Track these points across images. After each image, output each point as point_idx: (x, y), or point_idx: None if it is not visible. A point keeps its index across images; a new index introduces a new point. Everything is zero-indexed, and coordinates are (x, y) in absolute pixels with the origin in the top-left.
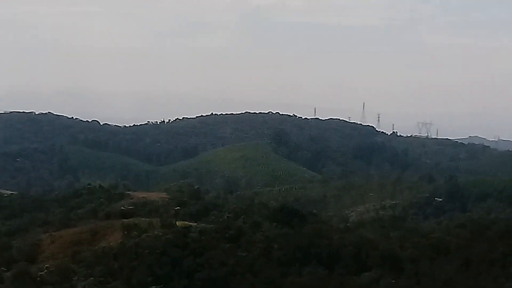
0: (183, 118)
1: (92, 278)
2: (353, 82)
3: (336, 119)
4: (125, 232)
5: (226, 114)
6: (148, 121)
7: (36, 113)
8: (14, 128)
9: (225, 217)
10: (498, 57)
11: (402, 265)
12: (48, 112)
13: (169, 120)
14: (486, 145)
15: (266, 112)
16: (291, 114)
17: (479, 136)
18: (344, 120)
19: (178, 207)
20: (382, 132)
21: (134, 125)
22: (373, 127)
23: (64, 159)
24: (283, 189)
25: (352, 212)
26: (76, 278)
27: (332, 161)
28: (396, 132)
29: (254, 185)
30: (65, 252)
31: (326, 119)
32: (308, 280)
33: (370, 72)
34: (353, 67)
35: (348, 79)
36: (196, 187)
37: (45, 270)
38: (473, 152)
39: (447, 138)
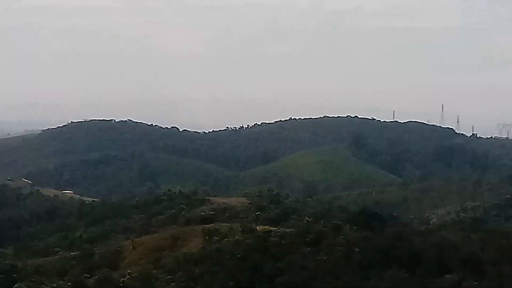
0: (262, 123)
1: (173, 283)
2: (431, 84)
3: (415, 121)
4: (206, 237)
5: (305, 118)
6: (227, 127)
7: (116, 120)
8: (94, 136)
9: (305, 221)
10: None
11: (484, 267)
12: (128, 119)
13: (248, 125)
14: None
15: (345, 116)
16: (370, 118)
17: None
18: (423, 123)
19: (258, 212)
20: (462, 134)
21: (213, 131)
22: (452, 129)
23: (144, 165)
24: (362, 192)
25: (432, 214)
26: (158, 283)
27: (412, 164)
28: (476, 134)
29: (333, 189)
30: (147, 258)
31: (405, 122)
32: (390, 283)
33: (448, 74)
34: (431, 69)
35: (426, 81)
36: (275, 191)
37: (127, 276)
38: None
39: None
